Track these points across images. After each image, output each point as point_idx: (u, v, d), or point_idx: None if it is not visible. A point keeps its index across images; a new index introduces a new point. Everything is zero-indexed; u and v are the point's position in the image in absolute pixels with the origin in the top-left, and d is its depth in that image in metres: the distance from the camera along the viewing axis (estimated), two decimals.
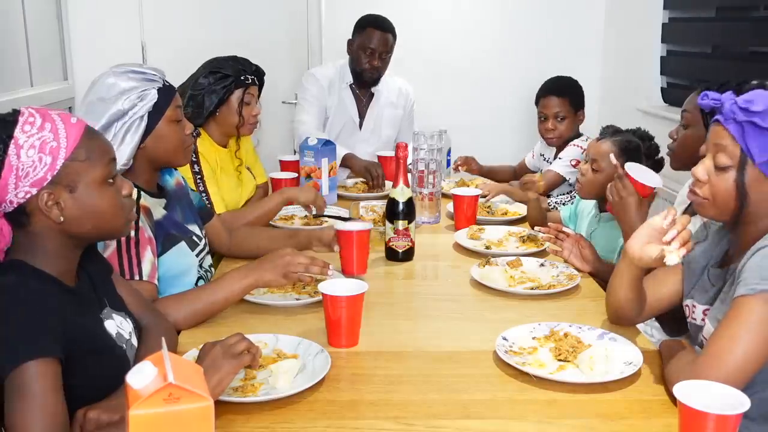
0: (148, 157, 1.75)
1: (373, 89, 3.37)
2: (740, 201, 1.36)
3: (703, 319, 1.48)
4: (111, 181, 1.29)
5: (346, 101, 3.35)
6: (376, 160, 3.24)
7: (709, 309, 1.46)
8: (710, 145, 1.40)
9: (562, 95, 3.09)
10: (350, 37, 3.28)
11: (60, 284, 1.25)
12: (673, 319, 1.70)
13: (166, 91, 1.74)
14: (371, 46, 3.19)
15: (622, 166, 1.92)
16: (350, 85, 3.34)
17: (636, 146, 2.22)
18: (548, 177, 2.98)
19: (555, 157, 3.12)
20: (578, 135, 3.10)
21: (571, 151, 3.01)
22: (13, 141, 1.19)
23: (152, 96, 1.70)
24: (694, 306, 1.53)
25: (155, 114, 1.71)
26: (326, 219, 2.49)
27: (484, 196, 2.59)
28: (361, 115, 3.39)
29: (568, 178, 2.98)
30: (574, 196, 2.87)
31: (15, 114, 1.22)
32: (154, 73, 1.73)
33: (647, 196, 1.92)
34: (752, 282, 1.28)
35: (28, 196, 1.21)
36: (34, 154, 1.19)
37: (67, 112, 1.28)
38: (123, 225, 1.34)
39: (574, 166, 2.92)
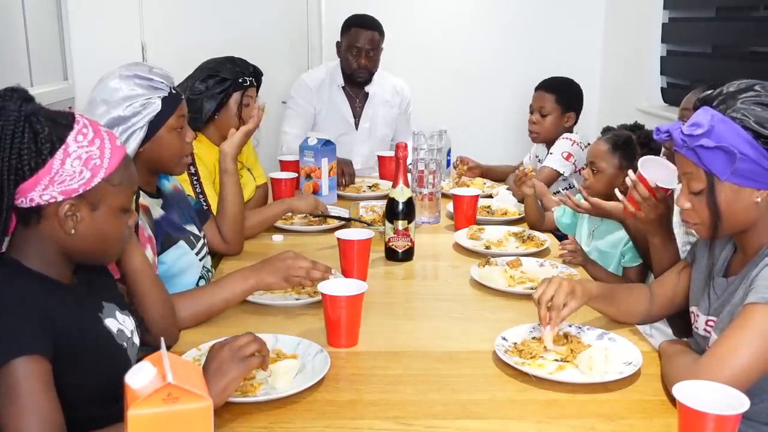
0: (146, 161, 1.74)
1: (367, 89, 3.36)
2: (716, 218, 1.38)
3: (705, 330, 1.48)
4: (126, 211, 1.30)
5: (339, 103, 3.35)
6: (375, 160, 3.25)
7: (711, 320, 1.46)
8: (681, 173, 1.43)
9: (550, 91, 3.10)
10: (338, 40, 3.29)
11: (52, 282, 1.24)
12: (683, 321, 1.70)
13: (171, 100, 1.72)
14: (357, 45, 3.20)
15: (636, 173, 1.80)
16: (342, 87, 3.33)
17: (627, 138, 2.25)
18: (543, 174, 2.95)
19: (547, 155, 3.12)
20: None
21: (562, 144, 2.99)
22: (63, 146, 1.17)
23: (155, 107, 1.69)
24: (697, 315, 1.53)
25: (156, 123, 1.70)
26: (326, 219, 2.48)
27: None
28: (357, 116, 3.39)
29: (562, 172, 2.95)
30: (574, 193, 2.86)
31: (70, 119, 1.21)
32: (162, 81, 1.71)
33: (663, 198, 1.78)
34: (763, 290, 1.29)
35: (51, 200, 1.19)
36: (78, 166, 1.19)
37: (111, 131, 1.31)
38: (116, 254, 1.37)
39: (567, 159, 2.92)
